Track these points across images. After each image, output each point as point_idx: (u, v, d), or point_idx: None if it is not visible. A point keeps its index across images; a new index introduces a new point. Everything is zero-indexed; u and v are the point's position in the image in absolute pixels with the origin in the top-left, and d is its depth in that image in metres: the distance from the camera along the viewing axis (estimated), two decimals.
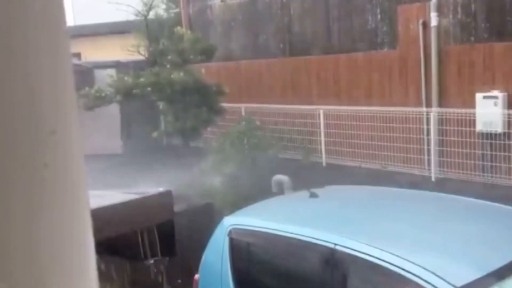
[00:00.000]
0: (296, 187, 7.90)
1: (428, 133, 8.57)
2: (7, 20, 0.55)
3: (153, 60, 11.42)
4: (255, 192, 7.38)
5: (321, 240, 3.62)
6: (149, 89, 9.83)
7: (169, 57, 10.46)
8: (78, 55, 15.21)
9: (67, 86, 0.59)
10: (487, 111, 7.81)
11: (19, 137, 0.55)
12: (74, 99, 0.61)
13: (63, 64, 0.60)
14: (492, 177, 7.94)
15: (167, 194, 1.63)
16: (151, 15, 13.75)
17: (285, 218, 4.31)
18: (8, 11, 0.55)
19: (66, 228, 0.58)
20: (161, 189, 1.66)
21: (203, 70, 10.76)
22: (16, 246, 0.55)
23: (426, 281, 3.01)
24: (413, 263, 3.14)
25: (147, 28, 12.55)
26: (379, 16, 9.34)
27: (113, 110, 11.85)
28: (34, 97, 0.56)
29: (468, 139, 8.12)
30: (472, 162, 8.13)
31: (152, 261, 1.58)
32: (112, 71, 11.35)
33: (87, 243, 0.61)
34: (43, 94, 0.57)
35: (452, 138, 8.30)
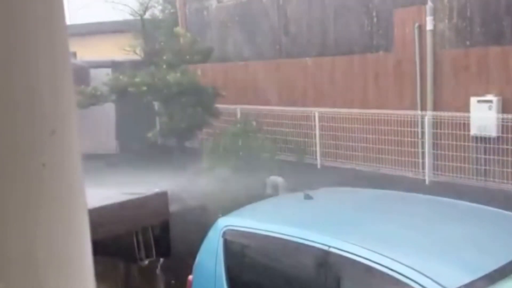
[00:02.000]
0: (290, 188, 7.91)
1: (422, 136, 8.60)
2: (8, 21, 0.56)
3: (149, 60, 11.41)
4: (249, 193, 7.38)
5: (315, 242, 3.62)
6: (144, 88, 9.81)
7: (165, 57, 10.46)
8: (73, 54, 15.17)
9: (67, 87, 0.60)
10: (482, 115, 7.84)
11: (19, 137, 0.55)
12: (73, 100, 0.61)
13: (62, 65, 0.60)
14: (485, 180, 7.97)
15: (163, 195, 1.63)
16: (147, 15, 13.73)
17: (279, 220, 4.31)
18: (8, 13, 0.56)
19: (63, 227, 0.58)
20: (156, 190, 1.66)
21: (199, 71, 10.75)
22: (14, 245, 0.55)
23: (419, 283, 3.02)
24: (407, 265, 3.15)
25: (143, 28, 12.53)
26: (375, 19, 9.36)
27: (108, 109, 11.82)
28: (34, 97, 0.56)
29: (462, 143, 8.15)
30: (466, 165, 8.16)
31: (146, 262, 1.59)
32: (107, 70, 11.33)
33: (84, 242, 0.61)
34: (43, 95, 0.57)
35: (446, 142, 8.33)
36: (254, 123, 9.94)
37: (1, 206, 0.54)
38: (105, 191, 1.81)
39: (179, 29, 12.01)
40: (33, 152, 0.56)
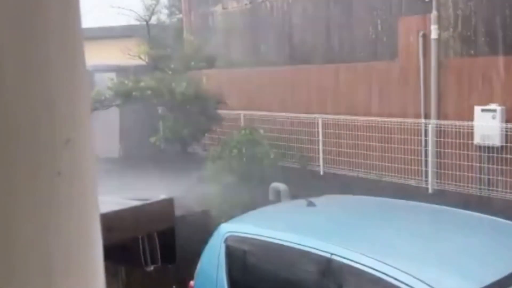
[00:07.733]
0: (293, 195, 7.90)
1: (426, 145, 8.59)
2: (23, 27, 0.56)
3: (154, 65, 11.45)
4: (252, 199, 7.38)
5: (317, 249, 3.62)
6: (148, 92, 9.84)
7: (170, 63, 10.49)
8: None
9: (82, 94, 0.61)
10: (485, 124, 7.83)
11: (34, 145, 0.56)
12: (88, 107, 0.62)
13: (78, 72, 0.61)
14: (489, 190, 7.95)
15: (169, 202, 1.64)
16: (153, 20, 13.78)
17: (282, 226, 4.31)
18: (25, 22, 0.56)
19: (77, 234, 0.59)
20: (162, 196, 1.68)
21: (204, 78, 10.78)
22: (29, 252, 0.56)
23: None
24: (409, 274, 3.15)
25: (149, 34, 12.58)
26: (379, 27, 9.38)
27: (112, 113, 11.84)
28: (49, 105, 0.57)
29: (465, 152, 8.13)
30: (470, 174, 8.14)
31: (152, 268, 1.60)
32: (112, 75, 11.36)
33: (96, 248, 0.62)
34: (58, 103, 0.58)
35: (449, 150, 8.31)
36: (261, 131, 9.92)
37: (17, 214, 0.55)
38: (111, 197, 1.82)
39: (189, 36, 12.05)
40: (48, 160, 0.57)
